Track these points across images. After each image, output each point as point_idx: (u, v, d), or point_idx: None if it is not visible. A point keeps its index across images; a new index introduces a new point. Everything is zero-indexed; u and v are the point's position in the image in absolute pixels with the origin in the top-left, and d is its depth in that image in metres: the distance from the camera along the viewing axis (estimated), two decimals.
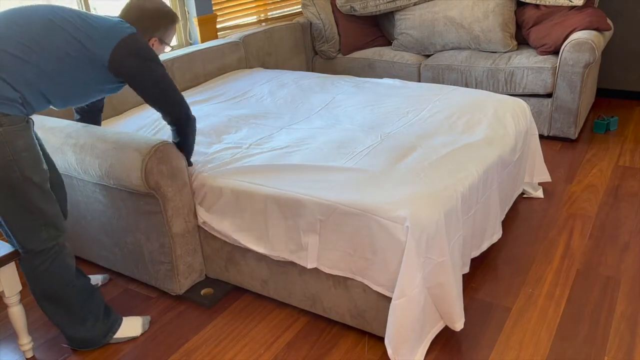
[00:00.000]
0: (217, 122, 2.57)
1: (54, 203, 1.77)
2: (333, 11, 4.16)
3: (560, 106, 3.38)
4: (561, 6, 3.55)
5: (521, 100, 2.68)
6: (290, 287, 2.05)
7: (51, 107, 1.82)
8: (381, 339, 1.93)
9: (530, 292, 2.14)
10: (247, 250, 2.09)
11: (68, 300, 1.87)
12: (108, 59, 1.77)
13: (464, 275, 2.19)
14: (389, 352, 1.78)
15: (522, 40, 3.83)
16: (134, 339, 2.03)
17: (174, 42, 3.56)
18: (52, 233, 1.77)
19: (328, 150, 2.19)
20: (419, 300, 1.72)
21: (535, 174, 2.76)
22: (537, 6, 3.65)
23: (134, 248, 2.20)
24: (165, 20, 1.96)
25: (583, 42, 3.21)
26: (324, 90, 3.01)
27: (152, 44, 1.96)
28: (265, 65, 3.83)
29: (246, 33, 3.70)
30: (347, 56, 4.12)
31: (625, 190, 2.87)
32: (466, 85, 3.66)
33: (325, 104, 2.79)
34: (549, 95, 3.44)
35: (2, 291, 1.85)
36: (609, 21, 3.54)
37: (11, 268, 1.84)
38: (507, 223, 2.62)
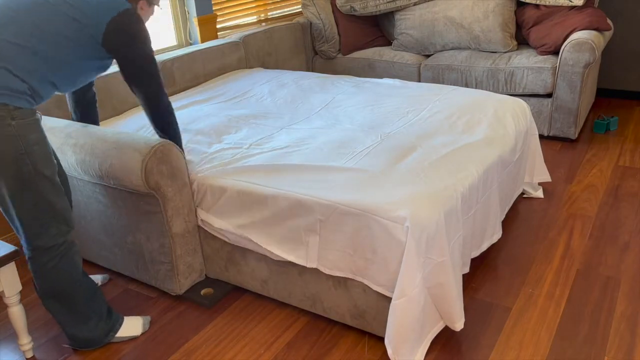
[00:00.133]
0: (217, 122, 2.57)
1: (64, 196, 1.78)
2: (333, 11, 4.16)
3: (560, 106, 3.38)
4: (561, 6, 3.55)
5: (521, 100, 2.68)
6: (290, 287, 2.05)
7: (56, 92, 1.80)
8: (381, 339, 1.93)
9: (530, 292, 2.14)
10: (247, 250, 2.09)
11: (74, 298, 1.87)
12: (103, 32, 1.75)
13: (464, 275, 2.19)
14: (389, 352, 1.78)
15: (522, 40, 3.83)
16: (134, 338, 2.03)
17: (174, 42, 3.56)
18: (62, 229, 1.77)
19: (328, 150, 2.19)
20: (419, 300, 1.72)
21: (535, 174, 2.76)
22: (537, 6, 3.65)
23: (134, 248, 2.20)
24: None
25: (583, 42, 3.21)
26: (324, 90, 3.01)
27: (141, 8, 1.92)
28: (265, 65, 3.83)
29: (246, 33, 3.70)
30: (347, 56, 4.12)
31: (625, 190, 2.87)
32: (466, 85, 3.66)
33: (325, 104, 2.79)
34: (549, 95, 3.44)
35: (2, 291, 1.85)
36: (609, 21, 3.54)
37: (11, 268, 1.84)
38: (507, 223, 2.62)
